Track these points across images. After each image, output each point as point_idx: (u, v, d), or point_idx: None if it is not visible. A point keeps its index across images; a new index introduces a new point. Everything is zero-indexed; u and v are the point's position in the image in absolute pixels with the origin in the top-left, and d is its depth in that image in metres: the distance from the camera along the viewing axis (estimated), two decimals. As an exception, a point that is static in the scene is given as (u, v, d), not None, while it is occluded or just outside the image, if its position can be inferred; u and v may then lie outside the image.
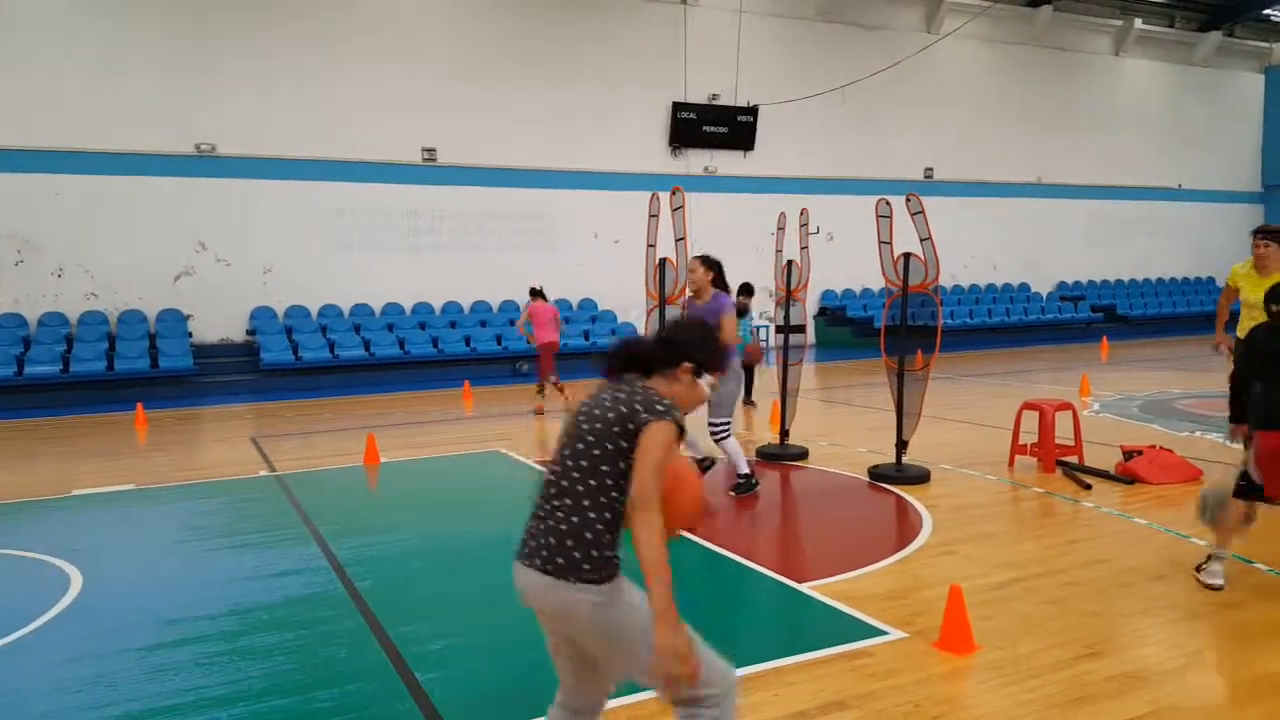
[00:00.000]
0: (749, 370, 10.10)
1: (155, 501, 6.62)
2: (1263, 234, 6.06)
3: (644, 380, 2.31)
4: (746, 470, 6.29)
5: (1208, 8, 23.63)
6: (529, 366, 14.96)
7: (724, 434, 6.12)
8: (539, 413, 10.41)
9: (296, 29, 14.75)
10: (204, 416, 11.34)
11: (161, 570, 4.96)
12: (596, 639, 2.20)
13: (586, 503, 2.16)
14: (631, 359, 2.35)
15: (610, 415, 2.19)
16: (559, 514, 2.18)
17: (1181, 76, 24.17)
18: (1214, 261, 24.93)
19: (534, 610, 2.27)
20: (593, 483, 2.16)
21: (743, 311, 9.64)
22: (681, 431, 2.19)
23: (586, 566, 2.13)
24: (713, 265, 6.16)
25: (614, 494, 2.17)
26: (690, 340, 2.38)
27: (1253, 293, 5.87)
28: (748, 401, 10.12)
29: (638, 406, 2.18)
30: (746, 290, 10.14)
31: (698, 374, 2.36)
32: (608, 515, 2.16)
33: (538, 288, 11.08)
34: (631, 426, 2.16)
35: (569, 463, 2.20)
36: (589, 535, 2.14)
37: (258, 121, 14.51)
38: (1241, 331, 5.80)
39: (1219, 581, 4.26)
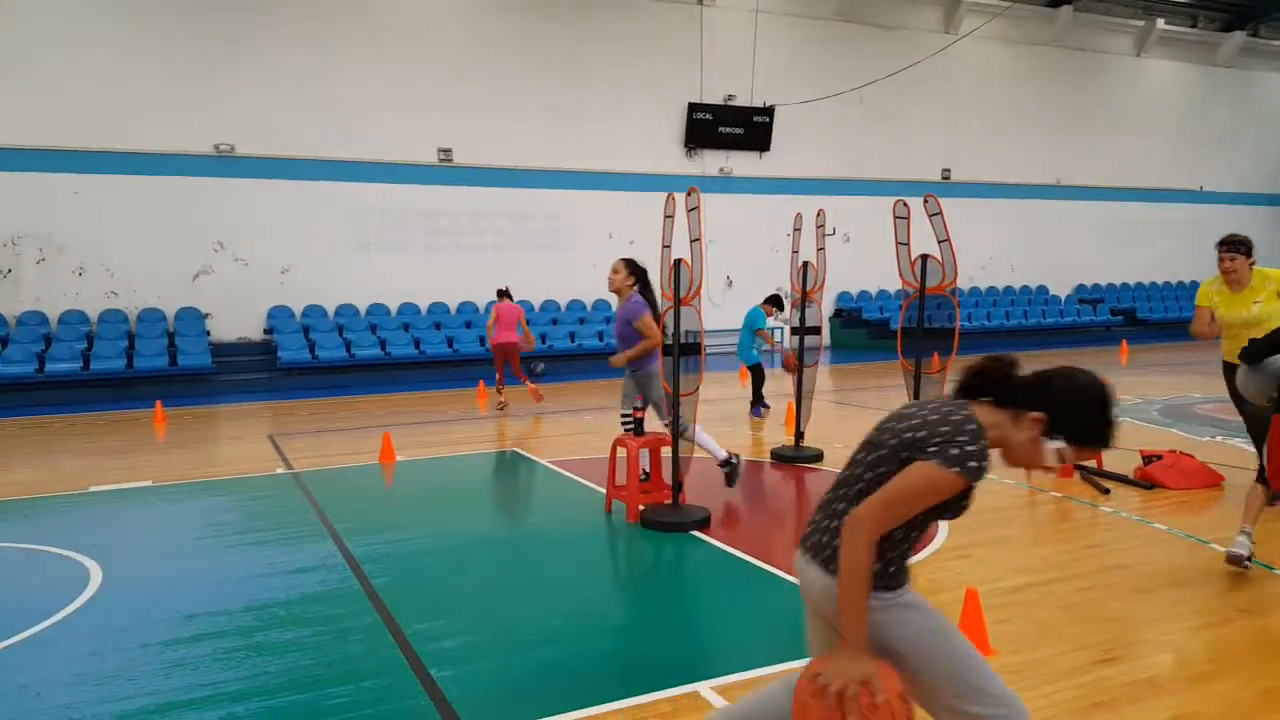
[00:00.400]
0: (761, 377, 10.03)
1: (173, 498, 6.68)
2: (1227, 245, 5.42)
3: (980, 405, 2.02)
4: (723, 455, 6.28)
5: (1231, 8, 23.34)
6: (543, 367, 15.00)
7: (685, 425, 5.97)
8: (500, 408, 10.90)
9: (315, 31, 14.86)
10: (222, 414, 11.44)
11: (180, 566, 5.01)
12: (876, 646, 2.09)
13: (846, 503, 2.10)
14: (990, 378, 2.04)
15: (907, 434, 2.01)
16: (837, 508, 2.12)
17: (1204, 77, 23.90)
18: (1236, 264, 24.63)
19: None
20: (867, 489, 2.06)
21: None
22: (966, 490, 1.95)
23: (829, 553, 2.09)
24: (636, 270, 6.15)
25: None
26: (1065, 392, 1.98)
27: (1229, 312, 5.41)
28: (761, 408, 10.00)
29: (934, 440, 1.95)
30: (776, 303, 10.10)
31: (1049, 434, 1.97)
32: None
33: (504, 289, 11.39)
34: (909, 456, 1.98)
35: (860, 465, 2.10)
36: (836, 525, 2.09)
37: (276, 122, 14.63)
38: (1228, 355, 5.46)
39: (1240, 551, 4.44)
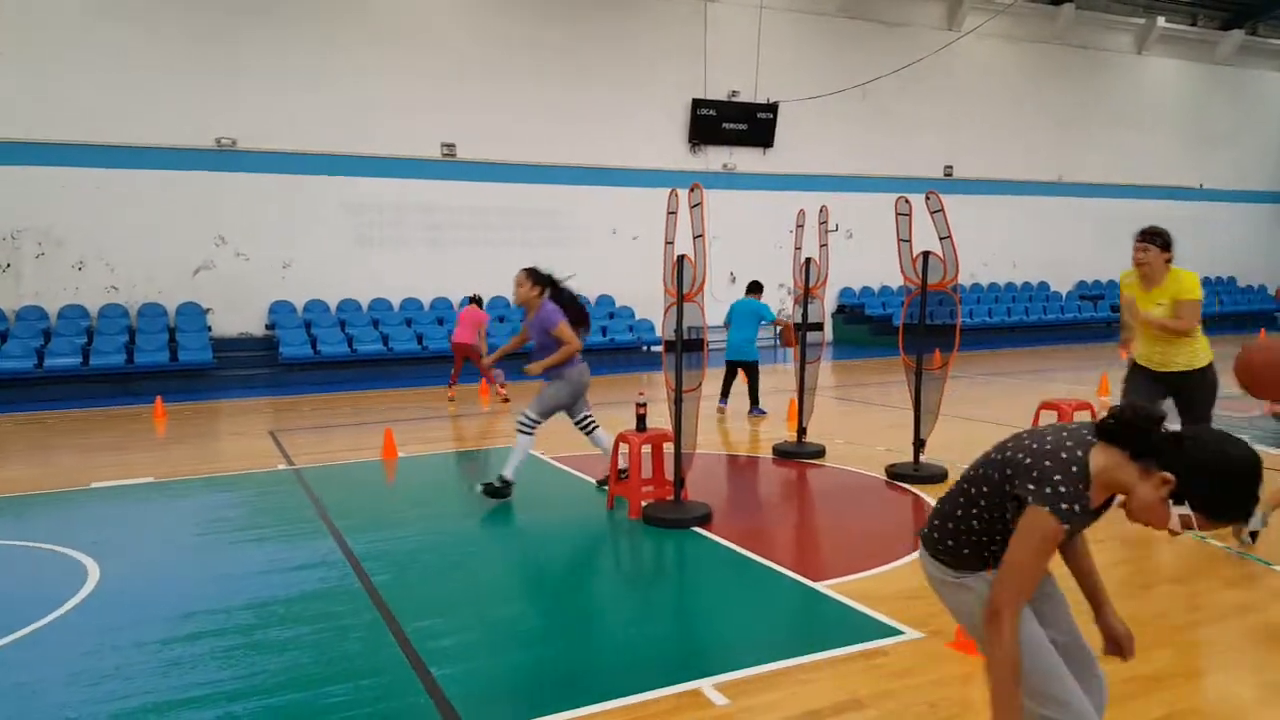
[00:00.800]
0: (756, 373, 9.88)
1: (173, 495, 6.66)
2: (1142, 235, 5.03)
3: (1106, 448, 1.96)
4: (510, 477, 6.04)
5: (1230, 6, 23.33)
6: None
7: (528, 429, 5.99)
8: (450, 399, 11.25)
9: (316, 25, 14.82)
10: (222, 410, 11.42)
11: (178, 563, 4.99)
12: (953, 613, 2.32)
13: (963, 500, 2.19)
14: (1131, 428, 1.93)
15: (1017, 455, 2.04)
16: (949, 495, 2.26)
17: (1204, 75, 23.86)
18: (1234, 262, 24.63)
19: None
20: (973, 491, 2.16)
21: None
22: (1065, 530, 1.92)
23: (940, 547, 2.24)
24: (540, 278, 6.08)
25: (985, 517, 2.14)
26: (1208, 462, 1.85)
27: (1141, 308, 5.05)
28: (756, 411, 9.70)
29: (1036, 473, 1.95)
30: (760, 289, 10.07)
31: (1178, 499, 1.89)
32: (975, 524, 2.17)
33: (474, 295, 11.83)
34: (1012, 488, 2.00)
35: (980, 465, 2.18)
36: (950, 524, 2.22)
37: (278, 117, 14.59)
38: (1138, 355, 5.14)
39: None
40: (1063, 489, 1.91)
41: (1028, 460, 2.00)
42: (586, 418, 6.26)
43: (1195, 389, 4.98)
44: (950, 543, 2.21)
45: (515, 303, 6.15)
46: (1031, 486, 1.95)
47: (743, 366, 9.86)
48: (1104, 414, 2.02)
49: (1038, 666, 2.10)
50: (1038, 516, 1.93)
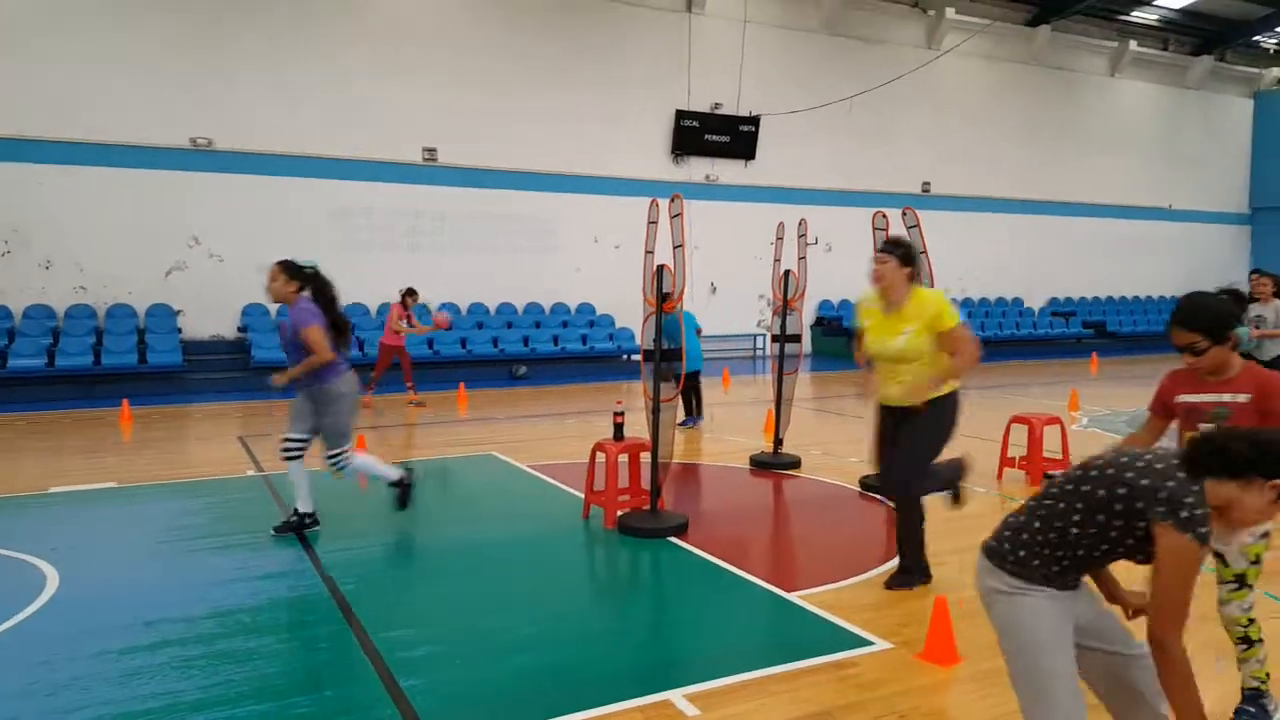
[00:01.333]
0: (696, 386, 9.63)
1: (137, 500, 6.52)
2: (883, 247, 4.31)
3: (1207, 481, 2.05)
4: (394, 475, 5.69)
5: (1200, 32, 23.91)
6: (525, 369, 14.97)
7: (344, 460, 5.45)
8: (366, 405, 11.03)
9: (297, 23, 14.69)
10: (192, 414, 11.23)
11: (141, 571, 4.87)
12: (996, 627, 2.31)
13: (1043, 513, 2.22)
14: (1221, 456, 2.04)
15: (1129, 476, 2.08)
16: (1027, 511, 2.29)
17: (1174, 99, 24.40)
18: (1201, 281, 25.00)
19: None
20: (1061, 506, 2.19)
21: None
22: (1206, 551, 2.03)
23: (1010, 558, 2.25)
24: (296, 272, 5.43)
25: (1073, 531, 2.17)
26: None
27: (877, 337, 4.28)
28: (691, 421, 9.49)
29: (1161, 495, 2.02)
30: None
31: None
32: (1053, 537, 2.20)
33: (406, 289, 11.66)
34: (1139, 508, 2.05)
35: (1066, 483, 2.22)
36: (1024, 536, 2.25)
37: (255, 116, 14.43)
38: (882, 396, 4.37)
39: None
40: (1198, 512, 2.01)
41: (1146, 483, 2.06)
42: (305, 442, 5.44)
43: (924, 422, 4.24)
44: (1021, 553, 2.25)
45: (273, 300, 5.52)
46: (1162, 509, 2.02)
47: (691, 375, 9.57)
48: (1187, 451, 2.11)
49: (1060, 704, 2.18)
50: (1179, 544, 2.00)
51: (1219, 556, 3.07)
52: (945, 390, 4.25)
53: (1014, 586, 2.26)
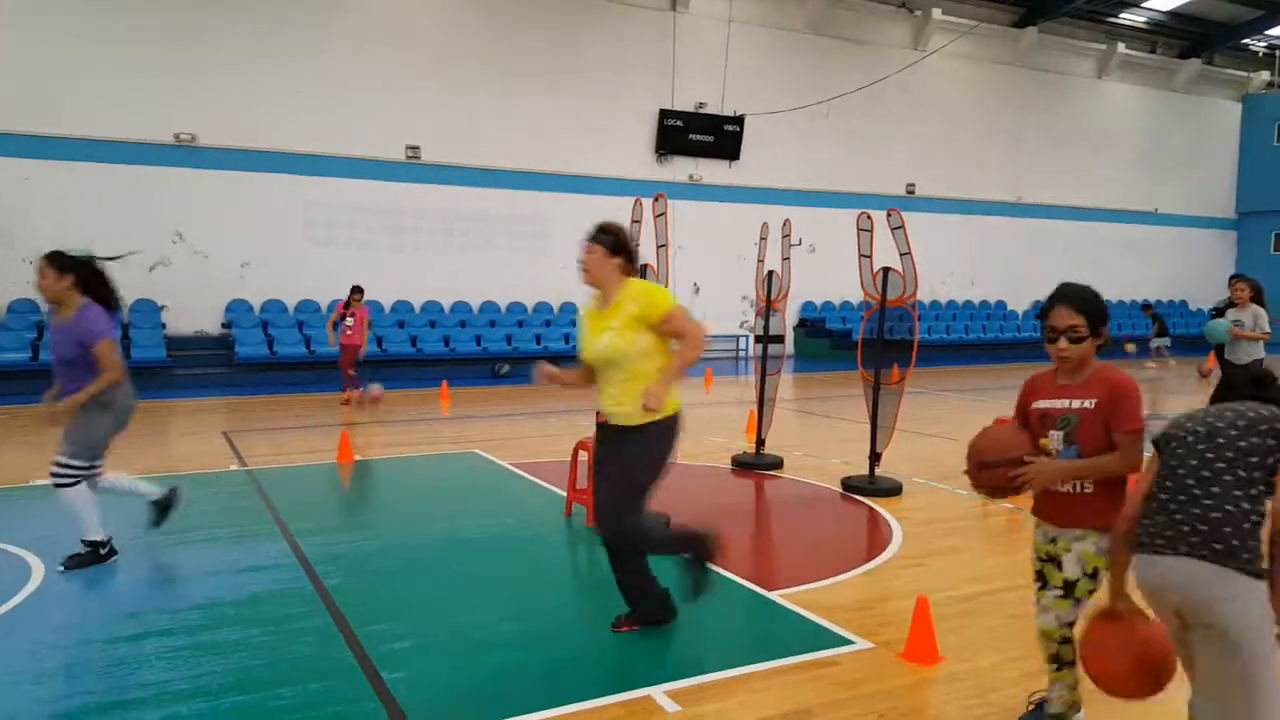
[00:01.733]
0: None
1: (120, 493, 6.50)
2: (591, 235, 3.69)
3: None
4: (95, 536, 4.70)
5: (1188, 35, 24.10)
6: (508, 368, 15.01)
7: (71, 480, 4.57)
8: (345, 402, 11.23)
9: (282, 19, 14.65)
10: (175, 409, 11.20)
11: (125, 563, 4.89)
12: (1230, 638, 2.17)
13: (1238, 493, 2.23)
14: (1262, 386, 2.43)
15: (1260, 416, 2.31)
16: (1206, 503, 2.24)
17: (1162, 102, 24.60)
18: (1185, 285, 25.37)
19: (1160, 603, 2.34)
20: (1241, 474, 2.25)
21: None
22: None
23: (1246, 556, 2.18)
24: (68, 265, 4.57)
25: (1250, 485, 2.24)
26: None
27: (589, 340, 3.65)
28: None
29: None
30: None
31: None
32: (1244, 504, 2.22)
33: (356, 285, 11.69)
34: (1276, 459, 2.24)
35: (1208, 454, 2.29)
36: (1246, 526, 2.20)
37: (240, 112, 14.38)
38: (599, 409, 3.77)
39: None
40: None
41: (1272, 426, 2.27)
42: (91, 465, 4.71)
43: (634, 447, 3.61)
44: (1243, 541, 2.19)
45: (47, 299, 4.64)
46: None
47: None
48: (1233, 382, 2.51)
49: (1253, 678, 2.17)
50: None
51: (1052, 560, 2.87)
52: (666, 413, 3.59)
53: (1244, 588, 2.16)
